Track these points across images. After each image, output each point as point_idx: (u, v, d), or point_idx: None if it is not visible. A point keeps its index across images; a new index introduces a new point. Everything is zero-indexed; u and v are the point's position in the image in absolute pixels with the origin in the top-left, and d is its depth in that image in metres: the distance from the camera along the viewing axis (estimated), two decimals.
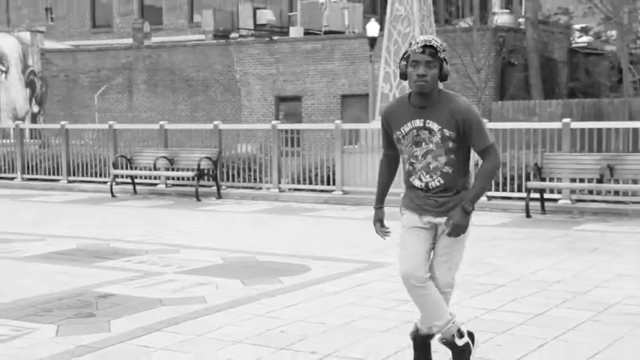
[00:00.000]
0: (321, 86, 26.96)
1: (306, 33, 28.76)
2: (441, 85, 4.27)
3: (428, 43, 4.00)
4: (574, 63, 26.31)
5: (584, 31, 25.87)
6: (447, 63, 4.07)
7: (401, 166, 4.33)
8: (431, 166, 4.11)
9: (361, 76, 25.90)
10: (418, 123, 4.10)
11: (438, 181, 4.13)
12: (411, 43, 4.10)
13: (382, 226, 4.35)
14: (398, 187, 4.54)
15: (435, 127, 4.07)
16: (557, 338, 5.06)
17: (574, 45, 26.79)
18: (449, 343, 4.30)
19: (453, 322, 4.27)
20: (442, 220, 4.15)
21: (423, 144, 4.11)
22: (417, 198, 4.21)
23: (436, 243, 4.24)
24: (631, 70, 20.99)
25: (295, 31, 28.53)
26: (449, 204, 4.15)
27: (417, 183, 4.17)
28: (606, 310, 5.77)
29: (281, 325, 5.44)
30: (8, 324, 5.51)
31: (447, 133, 4.06)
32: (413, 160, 4.16)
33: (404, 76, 4.12)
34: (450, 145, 4.08)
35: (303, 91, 27.28)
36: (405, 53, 4.12)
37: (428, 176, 4.13)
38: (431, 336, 4.34)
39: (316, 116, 26.82)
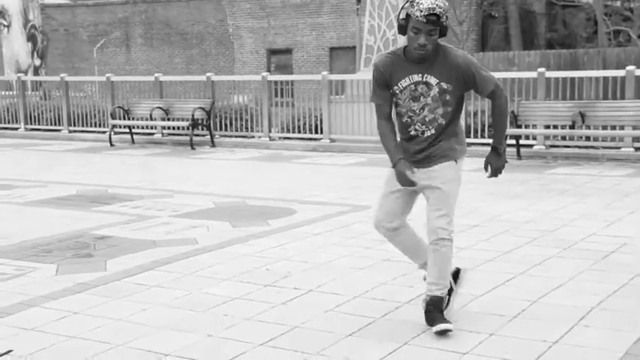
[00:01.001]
0: (310, 39, 26.76)
1: None
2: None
3: (432, 11, 3.74)
4: (552, 15, 26.13)
5: None
6: (447, 18, 3.85)
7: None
8: (427, 119, 4.00)
9: (349, 29, 25.70)
10: (416, 78, 3.96)
11: (431, 132, 4.02)
12: (412, 3, 3.82)
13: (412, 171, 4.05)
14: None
15: (433, 80, 3.94)
16: (524, 273, 5.16)
17: None
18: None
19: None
20: (424, 171, 4.04)
21: (422, 98, 3.97)
22: (410, 151, 4.07)
23: (426, 193, 4.08)
24: (605, 22, 20.86)
25: None
26: (437, 154, 4.03)
27: (414, 133, 4.05)
28: (570, 247, 5.87)
29: (267, 264, 5.52)
30: (11, 264, 5.58)
31: (444, 86, 3.94)
32: (411, 114, 4.02)
33: (403, 30, 3.90)
34: (447, 97, 3.96)
35: (294, 44, 27.08)
36: (404, 7, 3.87)
37: (424, 126, 4.01)
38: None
39: (306, 68, 26.67)
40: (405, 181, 4.00)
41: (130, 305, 4.61)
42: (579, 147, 11.74)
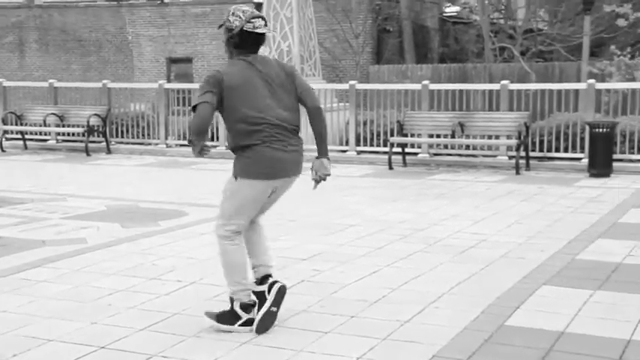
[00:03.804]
0: (210, 48, 26.95)
1: None
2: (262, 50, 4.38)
3: (262, 16, 4.20)
4: (444, 30, 27.33)
5: (452, 1, 26.87)
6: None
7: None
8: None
9: None
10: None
11: None
12: (238, 16, 4.14)
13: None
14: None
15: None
16: (390, 265, 5.69)
17: (444, 14, 27.80)
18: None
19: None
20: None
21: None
22: None
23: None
24: (491, 39, 22.05)
25: None
26: None
27: None
28: (436, 243, 6.46)
29: (153, 260, 5.84)
30: None
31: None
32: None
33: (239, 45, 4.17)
34: None
35: (194, 53, 27.21)
36: (232, 25, 4.13)
37: None
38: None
39: None
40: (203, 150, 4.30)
41: (17, 298, 4.84)
42: (460, 155, 12.52)
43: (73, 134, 14.59)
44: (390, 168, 11.90)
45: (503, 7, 24.17)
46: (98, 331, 4.23)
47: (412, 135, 12.52)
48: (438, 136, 12.39)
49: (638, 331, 4.19)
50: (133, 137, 14.83)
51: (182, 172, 11.85)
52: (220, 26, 4.25)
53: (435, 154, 12.67)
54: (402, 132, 12.32)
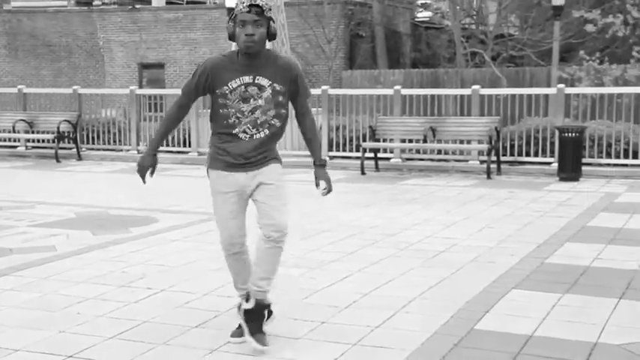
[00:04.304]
0: (183, 54, 26.85)
1: (169, 2, 28.47)
2: (269, 45, 4.19)
3: (254, 2, 3.88)
4: (417, 36, 27.50)
5: (424, 6, 27.05)
6: (273, 22, 3.96)
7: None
8: (259, 121, 4.01)
9: (222, 44, 25.97)
10: (247, 79, 3.97)
11: (264, 134, 4.04)
12: (237, 4, 3.95)
13: (153, 172, 4.30)
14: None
15: (265, 82, 3.99)
16: (361, 270, 5.70)
17: (416, 19, 27.97)
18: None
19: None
20: (256, 172, 4.07)
21: (252, 100, 3.99)
22: (237, 152, 4.03)
23: (257, 194, 4.08)
24: (463, 44, 22.22)
25: (157, 1, 28.20)
26: (268, 155, 4.10)
27: (241, 135, 4.02)
28: (407, 247, 6.48)
29: (123, 268, 5.79)
30: None
31: (277, 87, 4.01)
32: (239, 115, 4.00)
33: (232, 37, 3.97)
34: (280, 99, 4.03)
35: (166, 59, 27.08)
36: (231, 14, 3.97)
37: (254, 129, 4.02)
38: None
39: (179, 83, 26.69)
40: (143, 173, 4.32)
41: None
42: (432, 160, 12.60)
43: (43, 140, 14.45)
44: (363, 173, 11.94)
45: (474, 13, 24.38)
46: (66, 340, 4.18)
47: (385, 140, 12.57)
48: (410, 141, 12.45)
49: (605, 333, 4.25)
50: (104, 143, 14.72)
51: (154, 178, 11.73)
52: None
53: (408, 159, 12.74)
54: (374, 137, 12.36)
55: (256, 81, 3.99)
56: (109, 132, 14.76)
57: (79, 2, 28.76)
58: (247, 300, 4.16)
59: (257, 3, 3.89)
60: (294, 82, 4.07)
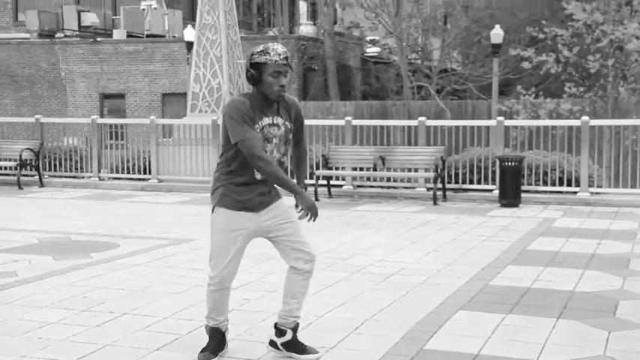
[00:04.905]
0: (143, 85, 26.69)
1: (130, 36, 28.30)
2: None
3: (286, 54, 3.95)
4: (366, 70, 27.85)
5: (373, 42, 27.43)
6: None
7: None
8: (275, 159, 4.02)
9: (180, 76, 25.92)
10: (267, 120, 3.99)
11: None
12: (265, 52, 3.91)
13: None
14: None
15: (280, 121, 4.03)
16: (316, 293, 5.67)
17: (366, 54, 28.34)
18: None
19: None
20: (267, 209, 4.10)
21: (274, 140, 4.01)
22: (255, 192, 4.03)
23: (275, 232, 4.17)
24: (409, 78, 22.58)
25: (118, 34, 27.99)
26: (274, 192, 4.15)
27: (258, 175, 4.01)
28: (359, 271, 6.50)
29: (84, 292, 5.67)
30: None
31: (288, 125, 4.06)
32: None
33: (257, 81, 3.93)
34: (290, 136, 4.08)
35: (127, 89, 26.87)
36: (253, 57, 3.92)
37: None
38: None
39: (139, 112, 26.51)
40: (315, 209, 4.12)
41: None
42: (382, 187, 12.68)
43: (5, 168, 14.13)
44: (316, 199, 11.94)
45: (419, 49, 24.82)
46: None
47: (337, 168, 12.62)
48: (361, 169, 12.52)
49: (545, 352, 4.31)
50: (66, 170, 14.47)
51: (115, 204, 11.60)
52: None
53: (359, 186, 12.80)
54: (327, 165, 12.41)
55: (274, 121, 4.03)
56: (70, 159, 14.51)
57: (42, 35, 28.36)
58: (282, 334, 4.23)
59: (287, 55, 3.97)
60: (297, 119, 4.14)
